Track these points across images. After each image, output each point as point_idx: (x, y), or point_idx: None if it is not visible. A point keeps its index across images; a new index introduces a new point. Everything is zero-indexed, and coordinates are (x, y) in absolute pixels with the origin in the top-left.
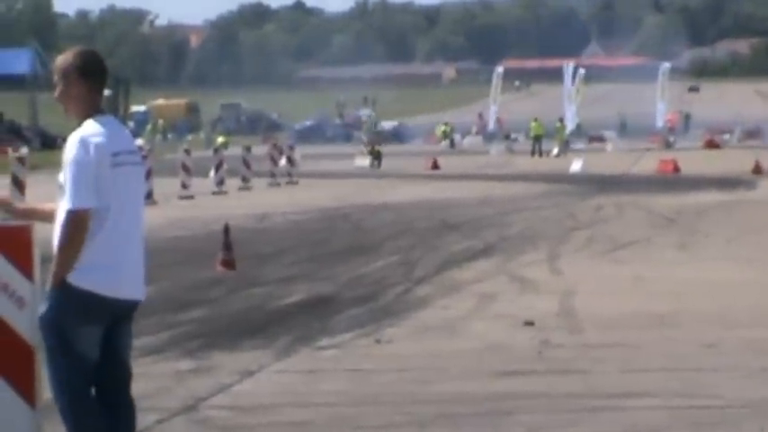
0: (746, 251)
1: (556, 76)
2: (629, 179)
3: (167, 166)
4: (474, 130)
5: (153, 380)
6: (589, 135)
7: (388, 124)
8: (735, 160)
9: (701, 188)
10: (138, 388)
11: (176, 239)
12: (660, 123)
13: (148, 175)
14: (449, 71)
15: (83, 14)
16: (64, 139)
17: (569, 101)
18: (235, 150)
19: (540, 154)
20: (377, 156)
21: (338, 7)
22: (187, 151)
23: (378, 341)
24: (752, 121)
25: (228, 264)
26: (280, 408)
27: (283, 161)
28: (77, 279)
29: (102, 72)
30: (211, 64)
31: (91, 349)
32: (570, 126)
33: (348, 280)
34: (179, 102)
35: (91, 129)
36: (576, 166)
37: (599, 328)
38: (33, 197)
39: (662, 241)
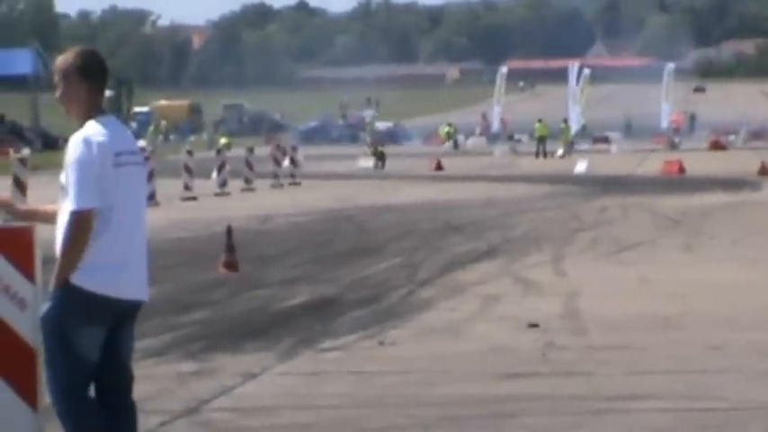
0: (752, 252)
1: (560, 76)
2: (633, 180)
3: (170, 168)
4: (478, 130)
5: (155, 382)
6: (594, 136)
7: (382, 125)
8: (740, 161)
9: (707, 189)
10: (140, 390)
11: (179, 241)
12: (665, 124)
13: (151, 176)
14: (452, 72)
15: (84, 15)
16: (65, 140)
17: (574, 101)
18: (237, 151)
19: (545, 155)
20: (380, 157)
21: (341, 7)
22: (190, 152)
23: (381, 343)
24: (757, 121)
25: (231, 265)
26: (282, 410)
27: (286, 162)
28: (81, 279)
29: (102, 72)
30: (214, 64)
31: (91, 351)
32: (575, 127)
33: (351, 282)
34: (181, 103)
35: (93, 129)
36: (580, 167)
37: (603, 330)
38: (35, 198)
39: (667, 243)
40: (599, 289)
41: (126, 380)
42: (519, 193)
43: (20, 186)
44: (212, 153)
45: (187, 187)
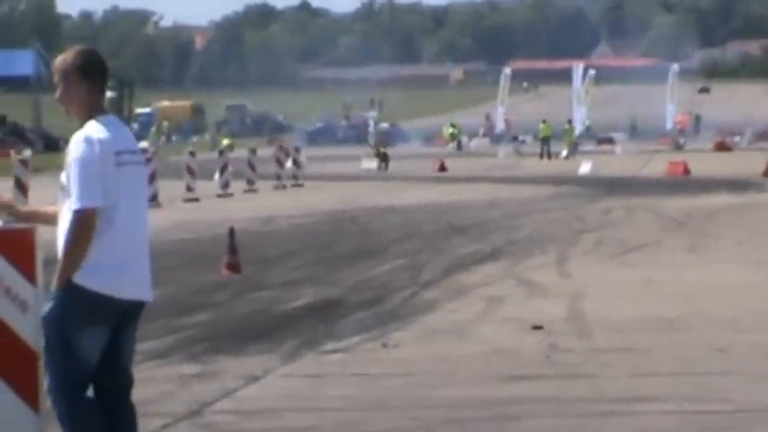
0: (757, 254)
1: (564, 77)
2: (638, 181)
3: (172, 169)
4: (481, 131)
5: (157, 384)
6: (598, 137)
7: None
8: (745, 162)
9: (712, 190)
10: (142, 393)
11: (181, 242)
12: (670, 125)
13: (153, 177)
14: (456, 72)
15: (86, 15)
16: (67, 142)
17: (578, 102)
18: (240, 152)
19: (549, 156)
20: (384, 158)
21: (344, 8)
22: (192, 153)
23: (384, 345)
24: (763, 122)
25: (234, 267)
26: (285, 412)
27: (289, 163)
28: (83, 279)
29: (102, 71)
30: (216, 65)
31: (91, 352)
32: (579, 128)
33: (354, 283)
34: (184, 103)
35: (94, 128)
36: (584, 168)
37: (608, 332)
38: (36, 200)
39: (672, 244)
40: (603, 291)
41: (126, 383)
42: (523, 194)
43: (21, 188)
44: (215, 154)
45: (189, 188)
